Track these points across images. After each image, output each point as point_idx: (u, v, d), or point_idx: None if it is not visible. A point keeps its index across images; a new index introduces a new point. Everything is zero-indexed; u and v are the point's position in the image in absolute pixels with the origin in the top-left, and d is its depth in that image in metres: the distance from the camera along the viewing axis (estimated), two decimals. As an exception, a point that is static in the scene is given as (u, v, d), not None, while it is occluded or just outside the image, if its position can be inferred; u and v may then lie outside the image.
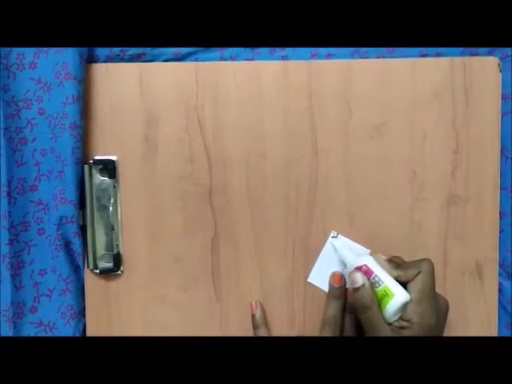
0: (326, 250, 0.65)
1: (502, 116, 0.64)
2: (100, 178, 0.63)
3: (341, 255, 0.63)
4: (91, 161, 0.63)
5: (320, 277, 0.65)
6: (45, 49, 0.61)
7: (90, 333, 0.64)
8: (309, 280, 0.65)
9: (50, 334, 0.63)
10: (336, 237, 0.65)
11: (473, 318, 0.64)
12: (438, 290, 0.63)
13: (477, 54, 0.64)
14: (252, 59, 0.65)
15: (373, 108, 0.64)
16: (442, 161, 0.64)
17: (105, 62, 0.64)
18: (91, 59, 0.64)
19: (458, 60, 0.63)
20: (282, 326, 0.64)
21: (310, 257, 0.65)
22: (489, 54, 0.65)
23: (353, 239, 0.65)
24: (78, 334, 0.63)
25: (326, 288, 0.64)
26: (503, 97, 0.64)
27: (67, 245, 0.63)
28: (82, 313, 0.65)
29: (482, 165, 0.63)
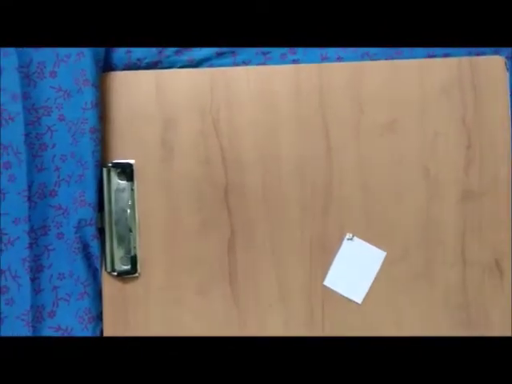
0: (342, 253, 0.65)
1: (512, 112, 0.65)
2: (118, 181, 0.65)
3: None
4: (110, 164, 0.64)
5: (336, 280, 0.65)
6: (64, 58, 0.63)
7: (106, 335, 0.64)
8: (325, 283, 0.65)
9: (67, 339, 0.63)
10: (351, 239, 0.65)
11: (494, 314, 0.63)
12: (458, 287, 0.63)
13: (483, 54, 0.66)
14: (264, 64, 0.67)
15: (383, 107, 0.65)
16: (454, 157, 0.64)
17: (123, 70, 0.66)
18: (110, 68, 0.66)
19: (465, 59, 0.65)
20: (300, 327, 0.64)
21: (327, 256, 0.65)
22: (495, 53, 0.66)
23: (369, 238, 0.65)
24: (95, 339, 0.63)
25: (342, 291, 0.64)
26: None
27: (85, 248, 0.64)
28: (99, 317, 0.65)
29: (495, 160, 0.64)
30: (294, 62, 0.67)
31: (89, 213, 0.63)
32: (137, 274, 0.64)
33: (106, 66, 0.66)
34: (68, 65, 0.63)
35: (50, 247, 0.63)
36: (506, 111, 0.64)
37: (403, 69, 0.65)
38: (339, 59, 0.67)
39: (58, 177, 0.64)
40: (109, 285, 0.64)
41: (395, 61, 0.66)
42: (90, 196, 0.63)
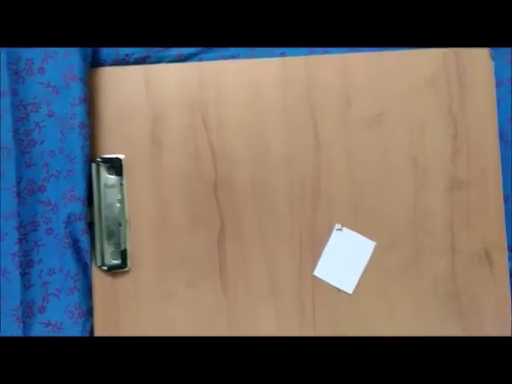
0: (331, 243, 0.65)
1: (498, 102, 0.65)
2: (107, 176, 0.65)
3: None
4: (99, 159, 0.64)
5: (326, 270, 0.65)
6: (52, 54, 0.63)
7: (97, 330, 0.64)
8: (315, 273, 0.65)
9: (57, 335, 0.62)
10: (341, 229, 0.65)
11: (485, 302, 0.63)
12: (448, 276, 0.64)
13: (469, 45, 0.67)
14: (252, 57, 0.67)
15: (370, 100, 0.65)
16: (442, 146, 0.65)
17: (111, 65, 0.67)
18: (98, 63, 0.66)
19: (450, 50, 0.65)
20: (292, 318, 0.64)
21: (316, 248, 0.65)
22: (480, 44, 0.67)
23: (358, 230, 0.65)
24: (85, 334, 0.63)
25: (332, 281, 0.64)
26: (498, 83, 0.66)
27: (75, 243, 0.64)
28: (89, 312, 0.64)
29: (482, 149, 0.64)
30: (282, 54, 0.67)
31: (78, 207, 0.63)
32: (127, 269, 0.64)
33: (95, 62, 0.66)
34: (56, 61, 0.64)
35: (40, 242, 0.63)
36: (491, 100, 0.65)
37: (389, 60, 0.65)
38: (326, 52, 0.67)
39: (47, 172, 0.64)
40: (99, 279, 0.64)
41: (381, 52, 0.66)
42: (80, 191, 0.63)
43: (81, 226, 0.63)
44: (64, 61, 0.63)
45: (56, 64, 0.64)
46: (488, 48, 0.65)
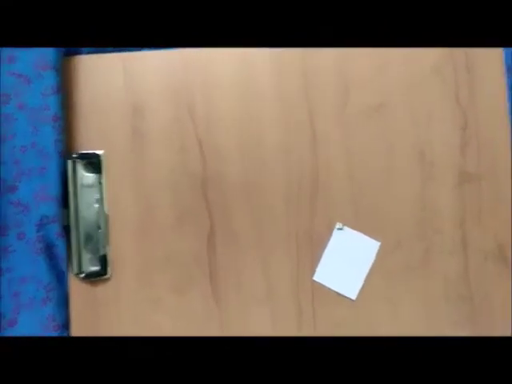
0: (332, 244, 0.59)
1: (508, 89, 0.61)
2: (84, 174, 0.59)
3: None
4: (75, 155, 0.59)
5: (327, 274, 0.59)
6: (23, 42, 0.58)
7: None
8: (314, 278, 0.59)
9: (30, 350, 0.56)
10: (342, 229, 0.60)
11: (498, 303, 0.58)
12: (460, 277, 0.59)
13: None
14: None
15: (372, 90, 0.60)
16: (450, 138, 0.60)
17: (88, 54, 0.61)
18: (74, 51, 0.61)
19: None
20: (290, 324, 0.58)
21: (315, 249, 0.59)
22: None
23: (360, 229, 0.59)
24: (62, 349, 0.57)
25: (333, 286, 0.59)
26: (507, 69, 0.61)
27: (49, 248, 0.57)
28: (65, 325, 0.58)
29: (493, 141, 0.59)
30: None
31: (52, 208, 0.57)
32: (107, 276, 0.58)
33: (71, 50, 0.61)
34: (27, 49, 0.58)
35: (10, 248, 0.57)
36: (502, 90, 0.60)
37: (392, 50, 0.60)
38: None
39: (18, 170, 0.58)
40: (76, 288, 0.58)
41: (383, 49, 0.60)
42: (54, 190, 0.57)
43: (55, 229, 0.57)
44: (35, 49, 0.58)
45: (27, 53, 0.58)
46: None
